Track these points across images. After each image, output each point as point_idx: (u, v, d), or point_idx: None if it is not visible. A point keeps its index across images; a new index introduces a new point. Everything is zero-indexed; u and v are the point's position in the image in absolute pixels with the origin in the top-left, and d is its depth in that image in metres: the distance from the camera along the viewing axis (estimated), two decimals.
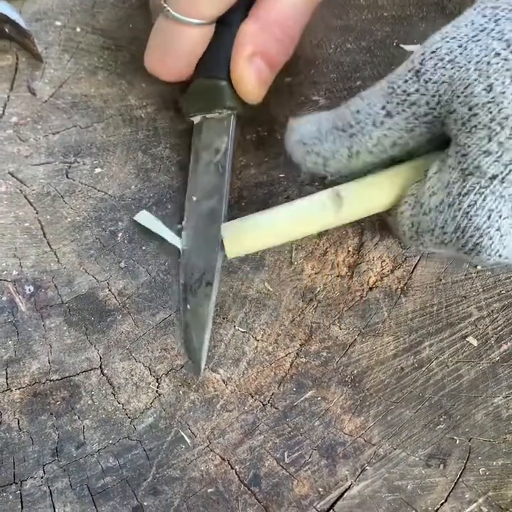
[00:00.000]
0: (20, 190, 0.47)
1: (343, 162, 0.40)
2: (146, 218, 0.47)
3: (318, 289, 0.46)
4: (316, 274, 0.46)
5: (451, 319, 0.46)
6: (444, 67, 0.35)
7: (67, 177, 0.48)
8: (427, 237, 0.39)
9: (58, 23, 0.54)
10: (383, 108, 0.38)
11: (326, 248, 0.47)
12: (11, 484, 0.39)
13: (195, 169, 0.48)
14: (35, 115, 0.50)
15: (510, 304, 0.46)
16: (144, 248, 0.46)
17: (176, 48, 0.46)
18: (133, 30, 0.55)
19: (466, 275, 0.47)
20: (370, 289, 0.46)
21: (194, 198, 0.46)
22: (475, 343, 0.45)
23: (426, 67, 0.36)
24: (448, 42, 0.36)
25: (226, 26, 0.46)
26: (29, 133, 0.50)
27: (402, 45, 0.55)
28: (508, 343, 0.45)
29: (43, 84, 0.52)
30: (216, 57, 0.46)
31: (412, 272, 0.47)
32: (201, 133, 0.48)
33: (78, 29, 0.54)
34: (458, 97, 0.35)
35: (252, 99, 0.47)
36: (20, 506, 0.39)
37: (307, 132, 0.41)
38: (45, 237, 0.46)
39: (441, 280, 0.47)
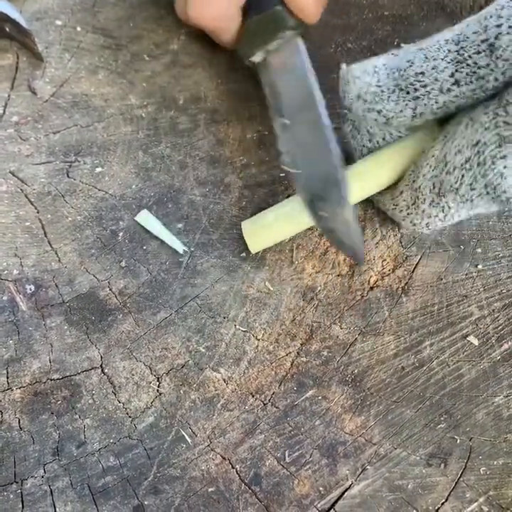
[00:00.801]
0: (21, 190, 0.47)
1: (406, 122, 0.40)
2: (146, 219, 0.47)
3: (319, 288, 0.46)
4: (316, 273, 0.46)
5: (452, 318, 0.46)
6: None
7: (68, 176, 0.48)
8: (451, 196, 0.39)
9: (59, 23, 0.54)
10: (452, 76, 0.36)
11: (327, 247, 0.47)
12: (12, 483, 0.39)
13: (275, 98, 0.46)
14: (35, 114, 0.50)
15: (511, 303, 0.46)
16: (144, 247, 0.46)
17: None
18: (133, 29, 0.55)
19: (466, 274, 0.47)
20: (371, 288, 0.46)
21: (286, 122, 0.45)
22: (476, 342, 0.45)
23: (500, 42, 0.34)
24: None
25: None
26: (30, 132, 0.50)
27: (403, 45, 0.55)
28: (509, 343, 0.45)
29: (44, 84, 0.52)
30: None
31: (412, 272, 0.47)
32: (269, 65, 0.47)
33: (79, 28, 0.54)
34: None
35: (311, 14, 0.47)
36: (21, 505, 0.39)
37: (365, 86, 0.40)
38: (45, 236, 0.46)
39: (442, 279, 0.47)
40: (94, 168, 0.49)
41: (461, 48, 0.36)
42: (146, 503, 0.39)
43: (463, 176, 0.37)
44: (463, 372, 0.44)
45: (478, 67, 0.35)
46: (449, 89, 0.37)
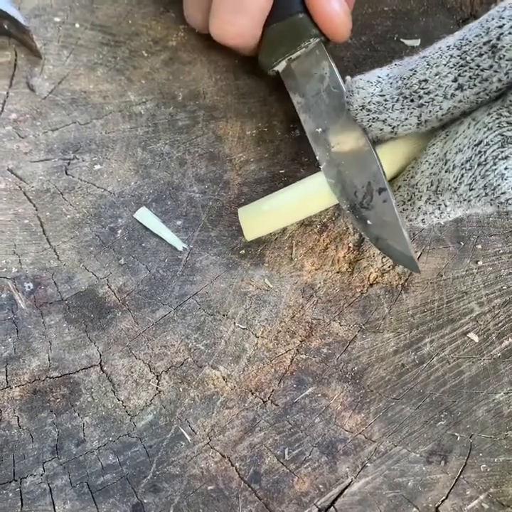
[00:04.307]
0: (20, 187, 0.47)
1: (412, 129, 0.40)
2: (145, 216, 0.47)
3: (319, 286, 0.46)
4: (316, 270, 0.46)
5: (452, 315, 0.45)
6: None
7: (66, 174, 0.48)
8: (448, 195, 0.39)
9: (57, 19, 0.54)
10: (455, 80, 0.36)
11: (327, 244, 0.47)
12: (11, 482, 0.39)
13: (304, 107, 0.46)
14: (34, 112, 0.50)
15: None
16: (143, 245, 0.46)
17: (247, 5, 0.46)
18: (132, 26, 0.54)
19: (467, 271, 0.47)
20: (371, 285, 0.46)
21: (319, 130, 0.45)
22: (476, 339, 0.45)
23: (503, 43, 0.34)
24: None
25: None
26: (28, 129, 0.49)
27: (402, 40, 0.55)
28: (510, 339, 0.45)
29: (42, 81, 0.51)
30: None
31: None
32: (294, 74, 0.47)
33: (77, 25, 0.54)
34: None
35: (343, 34, 0.47)
36: (20, 504, 0.39)
37: (369, 96, 0.40)
38: (44, 234, 0.46)
39: (442, 276, 0.46)
40: (92, 166, 0.49)
41: (464, 52, 0.36)
42: (145, 501, 0.39)
43: (462, 175, 0.37)
44: (463, 369, 0.44)
45: (482, 70, 0.35)
46: (452, 95, 0.37)
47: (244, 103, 0.52)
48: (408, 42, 0.55)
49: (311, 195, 0.44)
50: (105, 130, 0.50)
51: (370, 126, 0.41)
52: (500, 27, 0.34)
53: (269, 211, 0.45)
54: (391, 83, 0.39)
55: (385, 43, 0.55)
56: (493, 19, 0.35)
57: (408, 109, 0.39)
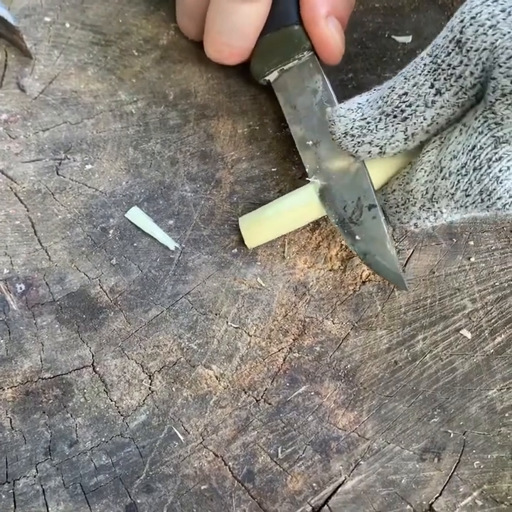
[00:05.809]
0: (11, 188, 0.47)
1: (400, 146, 0.40)
2: (137, 216, 0.47)
3: (311, 284, 0.46)
4: (308, 268, 0.46)
5: (444, 312, 0.45)
6: (485, 34, 0.33)
7: (57, 174, 0.48)
8: (444, 202, 0.39)
9: (47, 19, 0.54)
10: (432, 86, 0.36)
11: (319, 242, 0.47)
12: (4, 483, 0.39)
13: (295, 119, 0.46)
14: (25, 112, 0.50)
15: (504, 296, 0.46)
16: (135, 245, 0.46)
17: (241, 27, 0.46)
18: (122, 25, 0.54)
19: (459, 267, 0.47)
20: (363, 282, 0.46)
21: (310, 143, 0.45)
22: (469, 335, 0.45)
23: (466, 36, 0.34)
24: (489, 6, 0.33)
25: None
26: (19, 130, 0.49)
27: (393, 37, 0.55)
28: (502, 336, 0.45)
29: (33, 81, 0.51)
30: (278, 8, 0.46)
31: (405, 265, 0.46)
32: (286, 85, 0.47)
33: (67, 25, 0.54)
34: (500, 66, 0.33)
35: (336, 58, 0.47)
36: (13, 505, 0.39)
37: (351, 123, 0.40)
38: (35, 234, 0.46)
39: (434, 273, 0.46)
40: (84, 166, 0.49)
41: (435, 56, 0.36)
42: (138, 501, 0.39)
43: (458, 181, 0.37)
44: (456, 365, 0.44)
45: (453, 68, 0.35)
46: (433, 102, 0.37)
47: (236, 101, 0.52)
48: (399, 39, 0.55)
49: (305, 206, 0.45)
50: (96, 130, 0.50)
51: (357, 151, 0.41)
52: (462, 21, 0.34)
53: (270, 219, 0.45)
54: (371, 106, 0.40)
55: (376, 40, 0.55)
56: (455, 17, 0.35)
57: (392, 125, 0.39)
